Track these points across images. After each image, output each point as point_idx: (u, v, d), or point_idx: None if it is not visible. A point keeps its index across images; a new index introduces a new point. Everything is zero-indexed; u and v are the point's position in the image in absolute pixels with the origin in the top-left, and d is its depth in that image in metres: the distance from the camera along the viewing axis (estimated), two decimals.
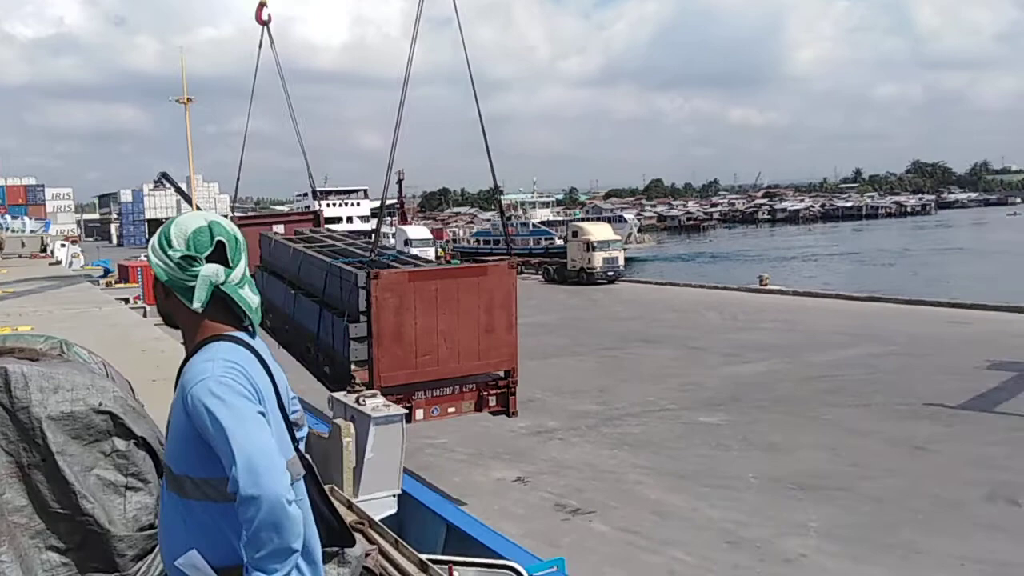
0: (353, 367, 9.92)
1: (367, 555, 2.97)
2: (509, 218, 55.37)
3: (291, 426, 2.34)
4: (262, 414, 2.11)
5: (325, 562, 2.74)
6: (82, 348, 3.13)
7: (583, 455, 12.63)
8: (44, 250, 26.32)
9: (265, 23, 15.26)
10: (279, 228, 16.03)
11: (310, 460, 2.39)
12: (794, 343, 21.33)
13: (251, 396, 2.11)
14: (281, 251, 13.86)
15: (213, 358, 2.14)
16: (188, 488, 2.15)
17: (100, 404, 2.75)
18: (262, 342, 2.37)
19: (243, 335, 2.28)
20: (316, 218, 17.50)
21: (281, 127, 16.28)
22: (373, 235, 10.81)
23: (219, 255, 2.27)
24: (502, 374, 10.55)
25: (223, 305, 2.27)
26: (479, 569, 3.84)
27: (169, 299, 2.30)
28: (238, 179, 17.87)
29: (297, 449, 2.34)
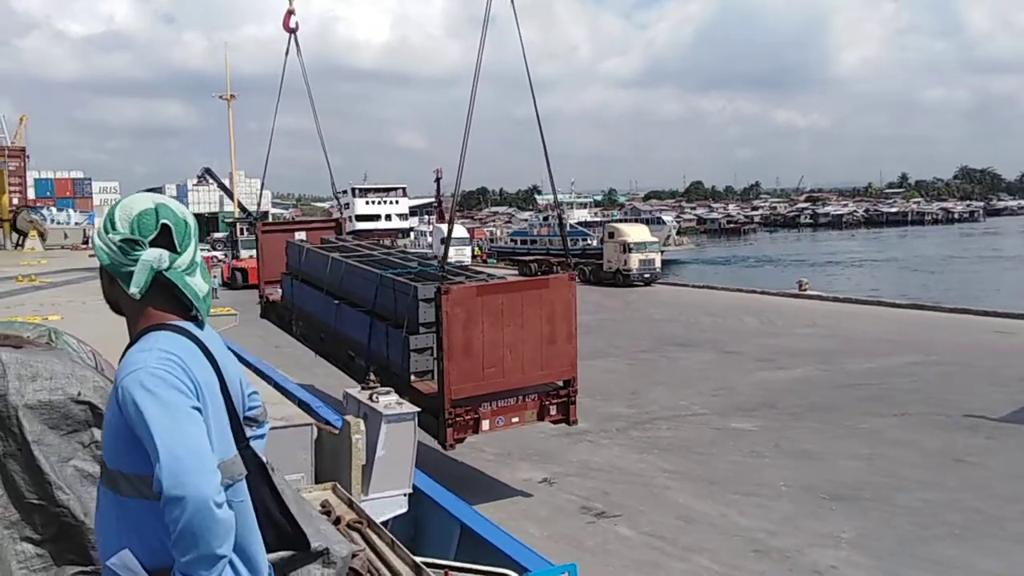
0: (413, 378, 10.25)
1: (354, 556, 2.86)
2: (546, 218, 55.21)
3: (239, 423, 2.21)
4: (198, 409, 2.00)
5: (310, 562, 2.65)
6: (71, 337, 3.06)
7: (611, 458, 12.45)
8: (86, 242, 26.89)
9: (292, 31, 15.23)
10: (301, 235, 16.27)
11: (263, 459, 2.27)
12: (832, 350, 20.86)
13: (186, 390, 1.99)
14: (315, 260, 13.89)
15: (149, 348, 2.03)
16: (121, 484, 2.05)
17: (79, 394, 2.69)
18: (212, 331, 2.26)
19: (188, 324, 2.16)
20: (338, 225, 17.80)
21: (322, 125, 16.27)
22: (443, 250, 11.20)
23: (165, 239, 2.16)
24: (562, 383, 10.69)
25: (168, 293, 2.16)
26: None
27: (113, 286, 2.19)
28: (263, 178, 18.23)
29: (246, 448, 2.21)
